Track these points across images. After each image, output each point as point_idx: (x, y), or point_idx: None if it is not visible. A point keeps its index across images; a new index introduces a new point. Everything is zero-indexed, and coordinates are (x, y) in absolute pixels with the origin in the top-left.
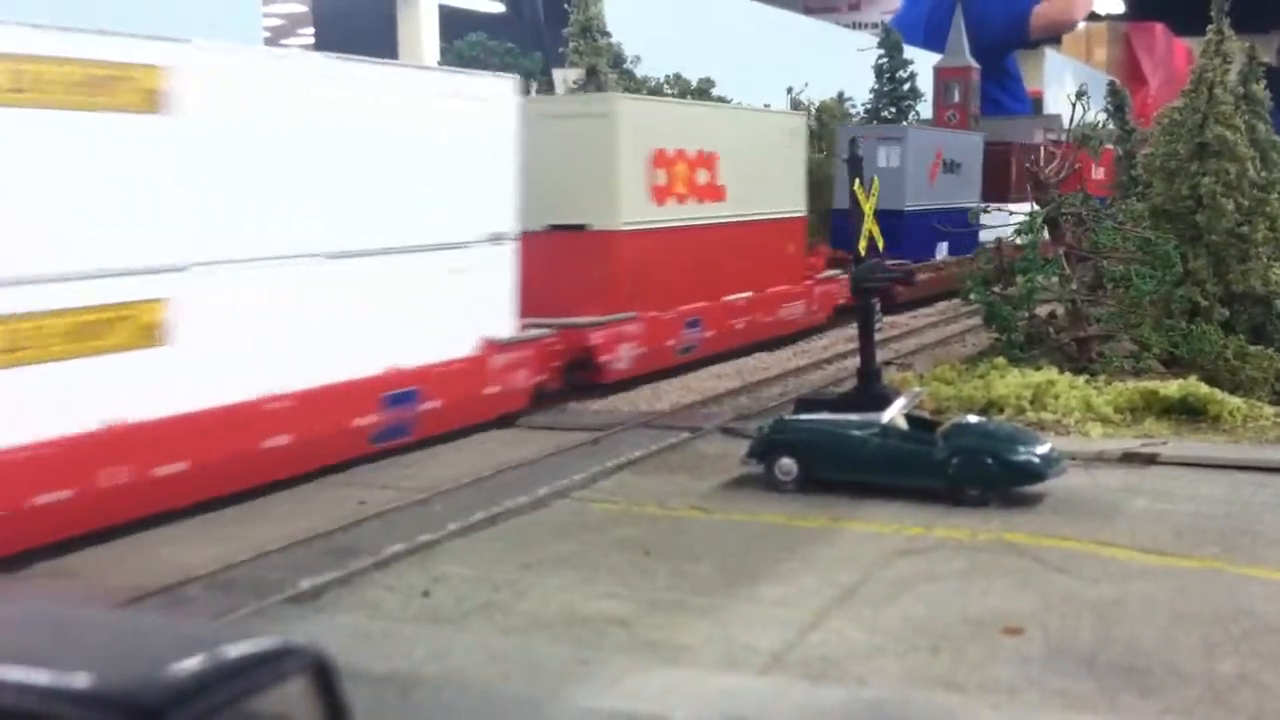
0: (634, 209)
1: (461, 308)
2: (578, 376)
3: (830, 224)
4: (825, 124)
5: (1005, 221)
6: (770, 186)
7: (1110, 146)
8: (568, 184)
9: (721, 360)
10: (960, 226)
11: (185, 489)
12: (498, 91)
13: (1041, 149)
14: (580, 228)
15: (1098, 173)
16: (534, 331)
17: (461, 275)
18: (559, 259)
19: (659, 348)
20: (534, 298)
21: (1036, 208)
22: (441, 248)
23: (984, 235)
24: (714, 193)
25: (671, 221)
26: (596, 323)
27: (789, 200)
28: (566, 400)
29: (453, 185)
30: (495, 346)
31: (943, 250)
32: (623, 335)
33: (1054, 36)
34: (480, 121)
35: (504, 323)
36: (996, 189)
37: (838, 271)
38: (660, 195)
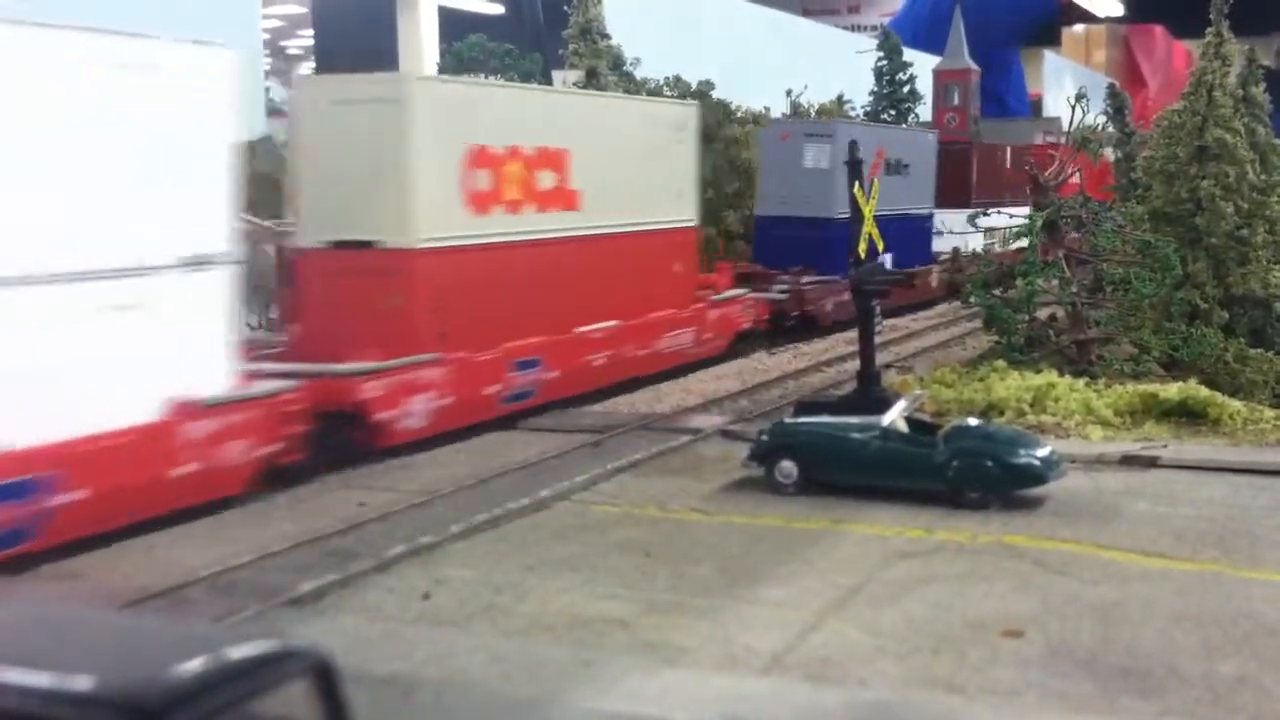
0: (439, 221)
1: (132, 358)
2: (348, 441)
3: (754, 234)
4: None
5: (968, 229)
6: (648, 192)
7: (1103, 153)
8: (354, 189)
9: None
10: (909, 235)
11: None
12: (197, 64)
13: (1008, 150)
14: (366, 245)
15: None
16: (262, 387)
17: (132, 313)
18: (342, 285)
19: (473, 397)
20: (316, 338)
21: (1031, 210)
22: (92, 276)
23: (940, 244)
24: (563, 199)
25: (499, 236)
26: (369, 370)
27: (675, 208)
28: (329, 472)
29: (115, 191)
30: (193, 410)
31: (886, 263)
32: (414, 384)
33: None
34: (168, 103)
35: (212, 376)
36: (955, 193)
37: (742, 291)
38: (482, 203)
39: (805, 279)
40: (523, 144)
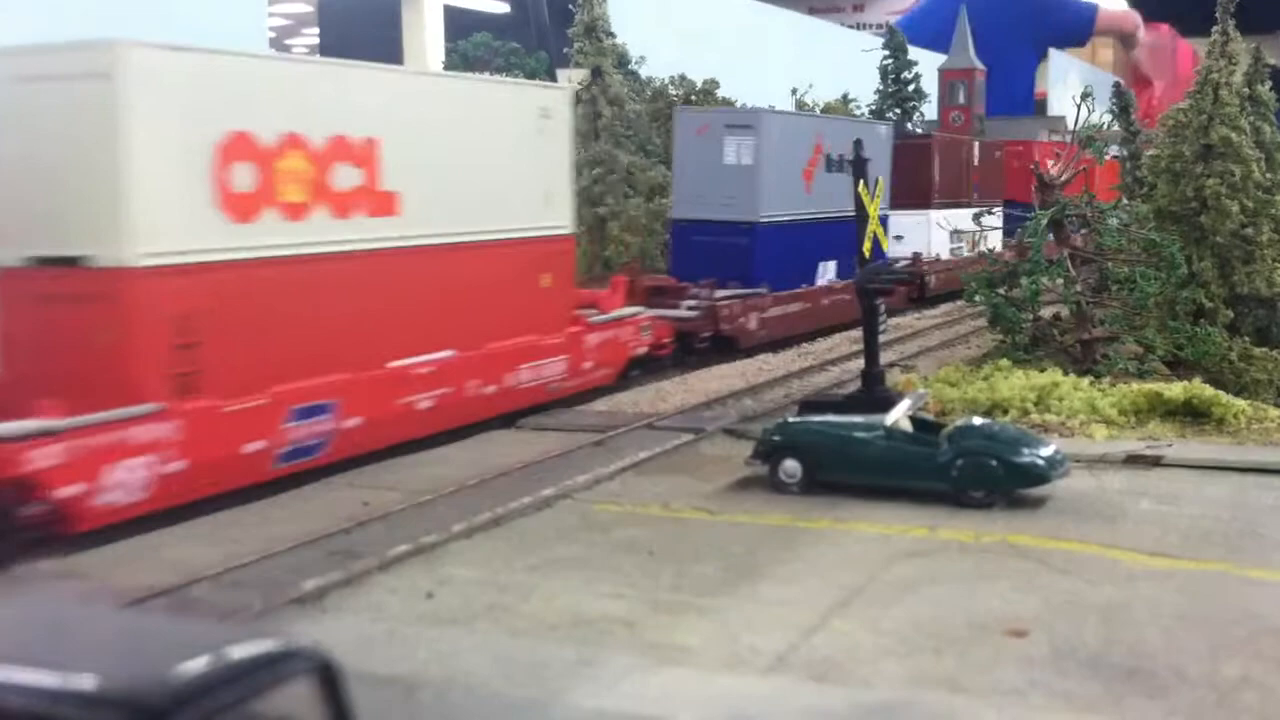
0: (176, 231)
1: None
2: (17, 527)
3: (670, 241)
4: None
5: (929, 230)
6: (501, 194)
7: (1107, 152)
8: (58, 191)
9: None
10: (850, 238)
11: None
12: None
13: (975, 145)
14: (71, 262)
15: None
16: None
17: None
18: (43, 315)
19: (222, 458)
20: (17, 386)
21: (1036, 209)
22: None
23: (900, 248)
24: (373, 202)
25: (272, 249)
26: (41, 431)
27: (541, 213)
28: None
29: None
30: None
31: (828, 272)
32: (120, 447)
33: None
34: None
35: None
36: (913, 193)
37: (637, 310)
38: (244, 207)
39: (722, 293)
40: (308, 132)
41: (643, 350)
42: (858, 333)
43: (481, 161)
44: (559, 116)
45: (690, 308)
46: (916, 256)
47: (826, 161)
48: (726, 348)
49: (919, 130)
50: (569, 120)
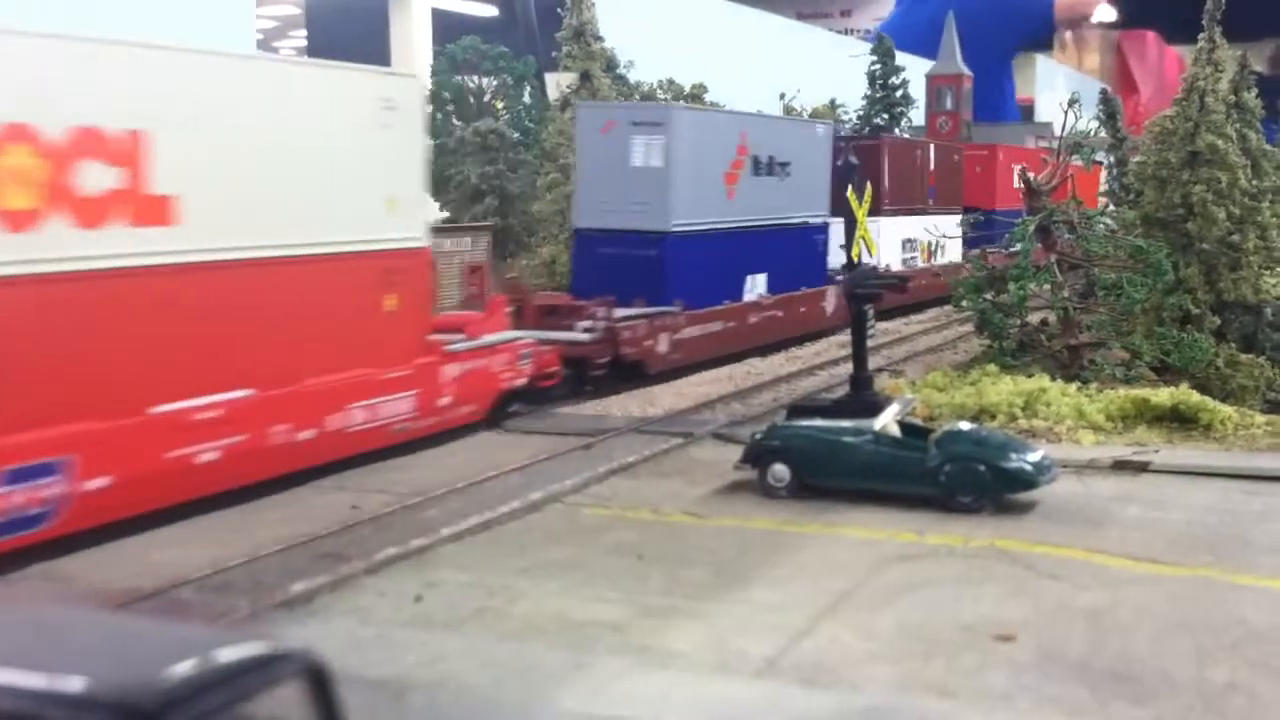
0: None
1: None
2: None
3: (572, 254)
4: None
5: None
6: (326, 198)
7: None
8: None
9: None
10: (792, 251)
11: None
12: None
13: (931, 148)
14: None
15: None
16: None
17: None
18: None
19: None
20: None
21: (1025, 214)
22: None
23: (836, 259)
24: (140, 209)
25: None
26: None
27: (382, 222)
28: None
29: None
30: None
31: (757, 286)
32: None
33: (1076, 25)
34: None
35: None
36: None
37: (515, 335)
38: None
39: (625, 311)
40: (39, 121)
41: (521, 382)
42: (846, 337)
43: (296, 160)
44: (407, 108)
45: (585, 329)
46: (850, 261)
47: (754, 164)
48: (633, 374)
49: (906, 135)
50: (419, 113)
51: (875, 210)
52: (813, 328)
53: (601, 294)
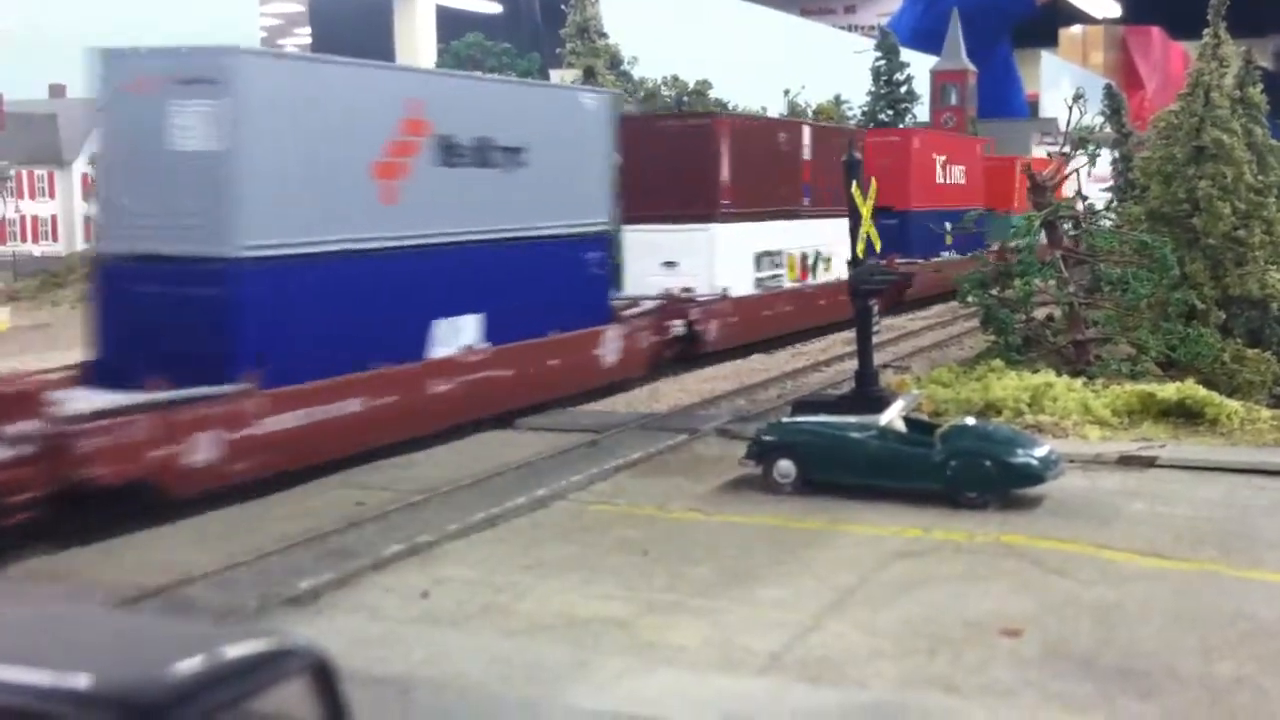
0: None
1: None
2: None
3: (94, 295)
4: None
5: (712, 253)
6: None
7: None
8: None
9: None
10: (542, 275)
11: None
12: None
13: (805, 131)
14: None
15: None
16: None
17: None
18: None
19: None
20: None
21: (1030, 210)
22: None
23: (666, 280)
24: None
25: None
26: None
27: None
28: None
29: None
30: None
31: (463, 334)
32: None
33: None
34: None
35: None
36: (684, 198)
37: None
38: None
39: (98, 401)
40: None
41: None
42: (852, 333)
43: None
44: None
45: (15, 439)
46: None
47: (440, 149)
48: (150, 504)
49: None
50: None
51: (709, 214)
52: (576, 386)
53: (142, 356)
